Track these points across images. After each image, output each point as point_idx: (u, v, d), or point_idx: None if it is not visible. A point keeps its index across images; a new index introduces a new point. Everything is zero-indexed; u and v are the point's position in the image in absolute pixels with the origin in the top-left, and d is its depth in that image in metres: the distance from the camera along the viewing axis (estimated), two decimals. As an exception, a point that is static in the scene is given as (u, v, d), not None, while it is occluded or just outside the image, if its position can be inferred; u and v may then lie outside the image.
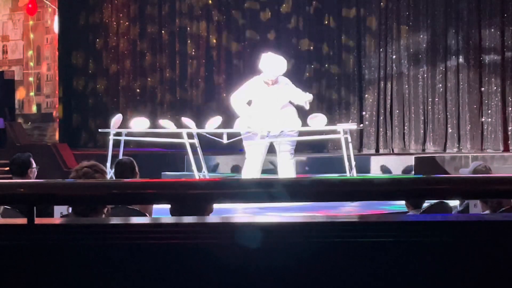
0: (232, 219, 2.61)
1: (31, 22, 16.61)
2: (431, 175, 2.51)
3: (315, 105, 13.65)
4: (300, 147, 13.46)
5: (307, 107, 9.49)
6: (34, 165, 6.10)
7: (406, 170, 10.66)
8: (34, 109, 16.86)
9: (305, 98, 9.34)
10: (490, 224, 2.39)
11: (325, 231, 2.32)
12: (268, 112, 9.17)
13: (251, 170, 9.21)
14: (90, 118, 15.52)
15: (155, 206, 5.06)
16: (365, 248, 2.27)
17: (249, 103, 9.38)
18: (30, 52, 16.74)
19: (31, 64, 16.75)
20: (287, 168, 9.28)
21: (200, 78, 14.77)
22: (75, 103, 15.84)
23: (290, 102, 9.43)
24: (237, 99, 9.40)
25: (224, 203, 2.59)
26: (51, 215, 4.08)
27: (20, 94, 16.95)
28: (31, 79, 16.78)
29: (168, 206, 3.43)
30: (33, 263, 2.30)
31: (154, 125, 10.25)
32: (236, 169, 11.63)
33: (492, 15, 12.25)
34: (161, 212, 4.01)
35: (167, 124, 9.66)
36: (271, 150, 9.64)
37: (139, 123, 9.83)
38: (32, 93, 16.82)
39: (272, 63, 9.24)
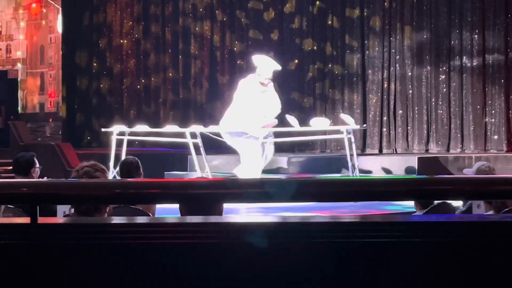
0: (235, 218, 2.61)
1: (34, 22, 16.63)
2: (434, 175, 2.51)
3: (319, 105, 13.66)
4: (303, 147, 13.48)
5: None
6: (37, 164, 6.10)
7: (409, 171, 10.64)
8: (37, 108, 16.88)
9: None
10: (494, 225, 2.38)
11: (328, 231, 2.32)
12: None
13: None
14: (94, 117, 15.54)
15: (160, 206, 5.07)
16: (368, 249, 2.27)
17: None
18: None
19: (35, 63, 16.77)
20: None
21: (204, 77, 14.78)
22: (79, 103, 15.86)
23: None
24: None
25: (235, 203, 2.58)
26: (54, 214, 4.08)
27: (23, 93, 16.97)
28: (34, 78, 16.79)
29: (170, 206, 3.43)
30: (36, 262, 2.30)
31: (157, 124, 10.25)
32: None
33: (496, 15, 12.23)
34: (167, 211, 4.01)
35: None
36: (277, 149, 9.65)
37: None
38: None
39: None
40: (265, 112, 9.42)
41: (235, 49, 14.49)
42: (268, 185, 2.37)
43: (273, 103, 9.52)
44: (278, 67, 9.57)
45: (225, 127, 9.38)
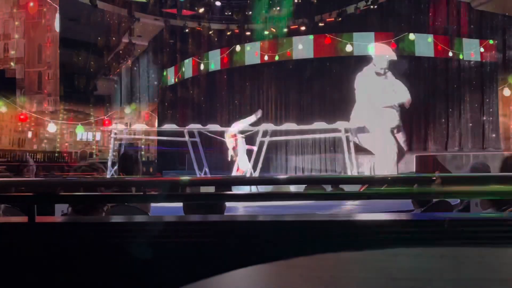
0: (235, 217, 2.61)
1: (32, 21, 16.62)
2: (432, 174, 2.51)
3: (317, 104, 13.65)
4: (302, 146, 13.47)
5: None
6: (31, 162, 6.10)
7: (407, 169, 10.64)
8: (35, 107, 16.87)
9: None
10: (491, 223, 2.39)
11: (327, 230, 2.32)
12: None
13: None
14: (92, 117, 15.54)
15: (162, 204, 5.07)
16: (365, 247, 2.27)
17: None
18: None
19: (32, 62, 16.76)
20: None
21: (201, 76, 14.78)
22: (77, 102, 15.86)
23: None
24: None
25: (237, 202, 2.58)
26: (52, 213, 4.08)
27: (21, 92, 16.96)
28: (32, 77, 16.78)
29: (169, 205, 3.43)
30: (34, 261, 2.30)
31: (155, 123, 10.24)
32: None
33: (494, 14, 12.25)
34: (167, 211, 4.01)
35: None
36: (272, 150, 9.63)
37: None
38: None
39: None
40: (390, 101, 9.04)
41: (233, 48, 14.50)
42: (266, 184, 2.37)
43: (399, 90, 9.12)
44: (394, 57, 9.38)
45: (357, 128, 9.11)
